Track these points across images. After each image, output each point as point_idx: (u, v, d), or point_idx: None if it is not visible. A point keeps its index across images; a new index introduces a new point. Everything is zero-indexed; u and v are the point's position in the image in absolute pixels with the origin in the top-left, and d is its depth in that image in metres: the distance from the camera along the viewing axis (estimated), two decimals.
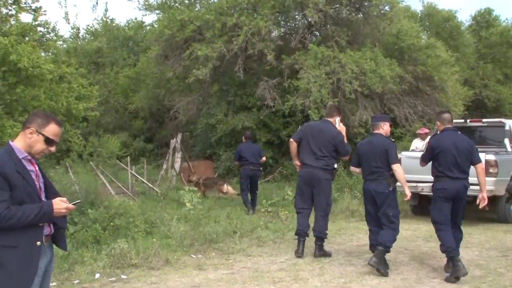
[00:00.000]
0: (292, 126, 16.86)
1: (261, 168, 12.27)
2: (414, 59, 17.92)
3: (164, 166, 16.07)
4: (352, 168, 7.49)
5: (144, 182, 13.60)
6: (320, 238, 7.73)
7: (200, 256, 7.66)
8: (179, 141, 16.18)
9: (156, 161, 21.50)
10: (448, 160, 6.64)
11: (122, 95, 25.53)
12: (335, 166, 7.67)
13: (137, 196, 12.59)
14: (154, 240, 7.93)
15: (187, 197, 10.49)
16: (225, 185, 14.02)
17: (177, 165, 15.89)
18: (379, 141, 7.05)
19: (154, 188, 13.17)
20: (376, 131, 7.19)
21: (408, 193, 7.07)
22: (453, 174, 6.63)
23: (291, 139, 7.85)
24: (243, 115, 17.38)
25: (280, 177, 16.62)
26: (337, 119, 7.73)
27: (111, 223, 8.12)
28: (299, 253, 7.67)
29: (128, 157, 16.44)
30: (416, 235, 9.67)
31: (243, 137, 12.35)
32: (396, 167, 6.91)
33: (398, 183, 7.07)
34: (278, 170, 16.87)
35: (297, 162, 7.78)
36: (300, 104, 15.07)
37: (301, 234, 7.73)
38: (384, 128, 7.17)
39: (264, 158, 12.22)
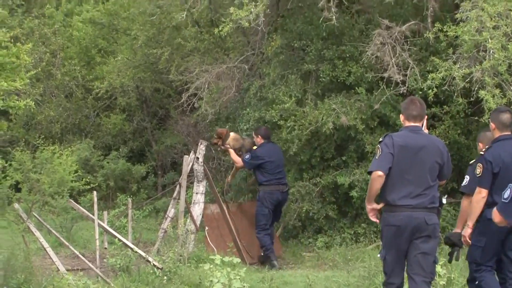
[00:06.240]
0: (443, 125, 11.17)
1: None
2: None
3: (171, 212, 10.75)
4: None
5: (128, 246, 9.69)
6: None
7: None
8: (201, 158, 10.76)
9: (153, 200, 15.26)
10: None
11: (80, 61, 18.31)
12: (444, 200, 6.16)
13: (112, 275, 9.31)
14: None
15: (220, 277, 7.70)
16: None
17: (197, 210, 10.58)
18: None
19: (149, 259, 9.35)
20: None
21: None
22: None
23: (375, 171, 5.94)
24: (337, 101, 11.14)
25: None
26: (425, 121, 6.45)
27: None
28: None
29: (95, 192, 11.51)
30: None
31: (258, 136, 10.10)
32: None
33: None
34: None
35: (375, 205, 6.01)
36: (463, 78, 9.86)
37: None
38: None
39: None
